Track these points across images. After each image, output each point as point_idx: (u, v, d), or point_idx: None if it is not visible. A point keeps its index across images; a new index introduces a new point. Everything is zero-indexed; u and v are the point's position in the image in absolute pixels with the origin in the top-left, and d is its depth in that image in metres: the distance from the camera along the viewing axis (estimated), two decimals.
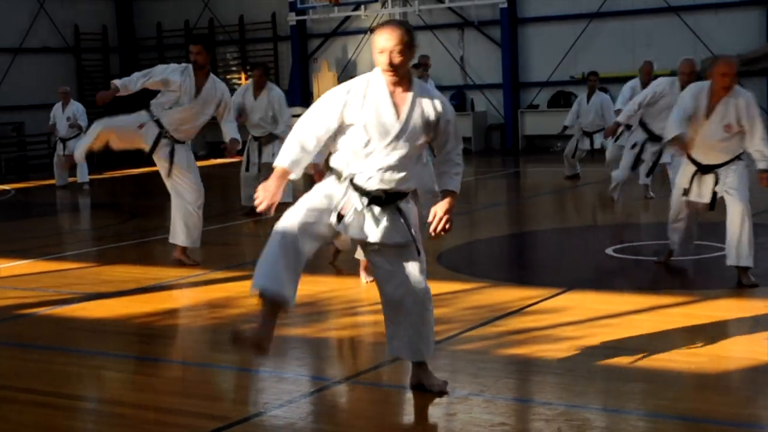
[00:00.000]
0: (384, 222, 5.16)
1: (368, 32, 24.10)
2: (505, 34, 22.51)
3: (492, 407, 5.22)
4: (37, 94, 23.60)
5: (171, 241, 9.52)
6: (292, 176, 5.12)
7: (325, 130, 5.07)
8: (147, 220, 13.29)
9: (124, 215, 14.03)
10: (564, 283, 8.12)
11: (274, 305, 5.06)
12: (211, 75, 9.40)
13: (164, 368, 6.45)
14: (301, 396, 5.60)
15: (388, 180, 5.11)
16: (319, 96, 24.83)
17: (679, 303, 7.30)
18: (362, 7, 23.81)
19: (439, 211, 5.18)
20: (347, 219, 5.11)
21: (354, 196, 5.12)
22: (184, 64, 9.38)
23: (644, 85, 12.79)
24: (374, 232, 5.15)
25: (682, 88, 10.83)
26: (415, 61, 5.37)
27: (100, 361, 6.66)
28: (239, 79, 26.12)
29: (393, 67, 4.99)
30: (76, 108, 18.02)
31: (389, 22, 5.14)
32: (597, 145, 15.39)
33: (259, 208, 5.07)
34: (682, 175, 8.04)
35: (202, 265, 9.45)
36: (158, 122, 9.23)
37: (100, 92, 9.21)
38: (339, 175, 5.17)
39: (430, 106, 5.09)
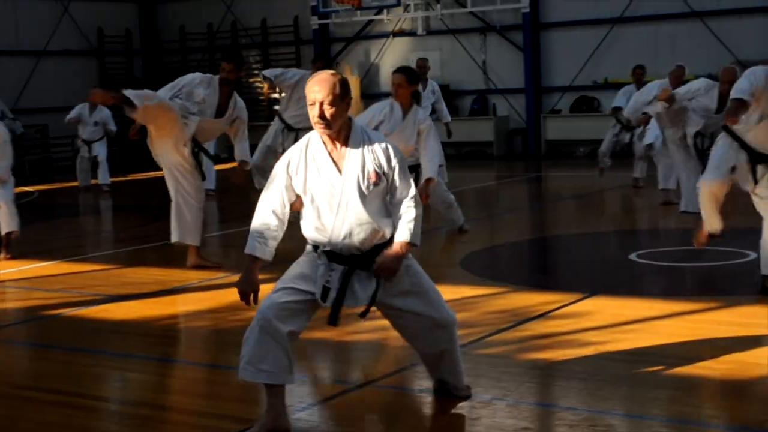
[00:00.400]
0: (373, 280, 4.94)
1: (391, 36, 24.11)
2: (527, 38, 22.46)
3: (515, 412, 5.20)
4: (61, 96, 23.67)
5: (179, 240, 9.48)
6: (266, 258, 4.96)
7: (281, 204, 4.93)
8: (169, 223, 13.30)
9: (147, 217, 14.08)
10: (587, 288, 8.09)
11: (270, 387, 4.91)
12: (234, 93, 9.40)
13: (187, 370, 6.47)
14: (324, 399, 5.60)
15: (358, 245, 4.88)
16: None
17: (703, 309, 7.26)
18: (385, 11, 23.81)
19: (384, 258, 4.88)
20: (333, 292, 4.88)
21: (331, 265, 4.91)
22: (209, 76, 9.32)
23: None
24: (366, 294, 4.95)
25: (721, 95, 10.72)
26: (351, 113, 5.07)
27: (122, 362, 6.68)
28: (262, 82, 26.11)
29: (325, 121, 4.75)
30: (106, 114, 17.97)
31: (321, 73, 4.88)
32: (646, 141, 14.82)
33: (245, 302, 4.95)
34: (725, 153, 7.61)
35: (224, 268, 9.47)
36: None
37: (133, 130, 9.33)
38: (313, 246, 5.00)
39: (372, 154, 4.85)
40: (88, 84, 22.83)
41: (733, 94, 7.12)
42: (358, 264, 4.93)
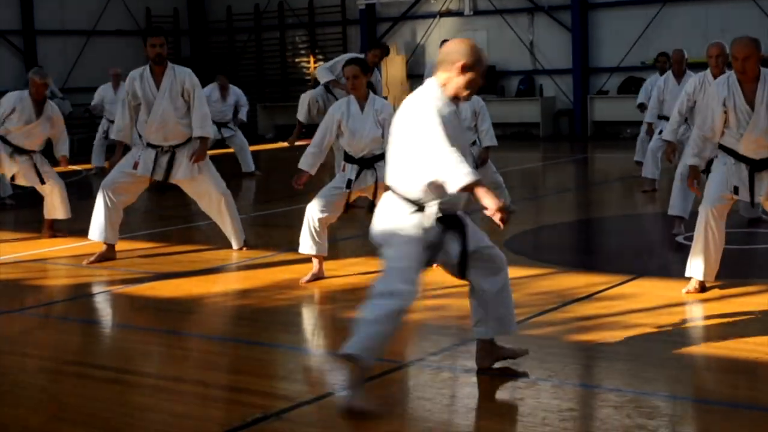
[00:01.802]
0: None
1: (437, 16, 24.03)
2: (575, 18, 22.29)
3: (560, 393, 5.19)
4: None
5: (233, 245, 9.50)
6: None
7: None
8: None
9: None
10: (633, 269, 8.04)
11: (362, 370, 5.04)
12: (170, 64, 9.14)
13: (232, 347, 6.51)
14: (368, 377, 5.61)
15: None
16: (388, 81, 24.46)
17: (749, 292, 7.19)
18: None
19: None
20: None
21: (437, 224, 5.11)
22: (141, 68, 9.17)
23: (676, 75, 12.33)
24: (456, 251, 5.20)
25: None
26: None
27: (169, 339, 6.74)
28: (308, 62, 26.20)
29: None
30: None
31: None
32: None
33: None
34: (726, 175, 7.05)
35: (269, 247, 9.52)
36: (149, 144, 9.07)
37: (112, 159, 9.34)
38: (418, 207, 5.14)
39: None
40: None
41: None
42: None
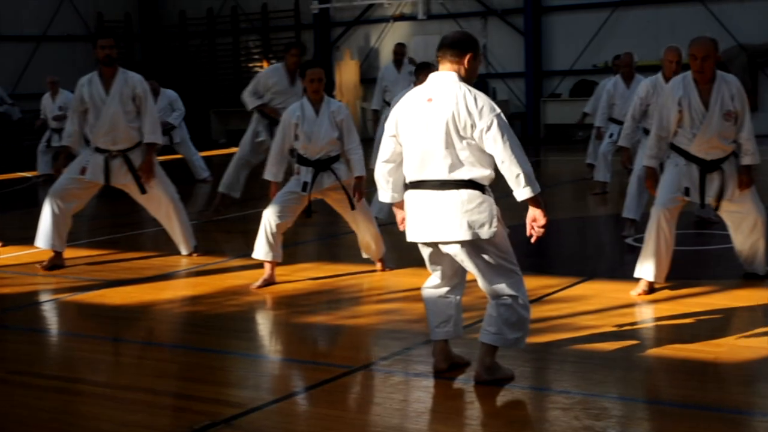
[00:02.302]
0: None
1: (391, 21, 24.04)
2: (528, 22, 22.42)
3: (509, 395, 5.20)
4: (60, 82, 23.63)
5: (182, 250, 9.43)
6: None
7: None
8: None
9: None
10: (583, 272, 8.08)
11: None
12: (120, 69, 8.98)
13: (183, 354, 6.47)
14: (319, 383, 5.59)
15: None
16: (341, 85, 24.43)
17: (698, 293, 7.25)
18: None
19: None
20: None
21: None
22: (89, 75, 9.05)
23: (625, 78, 12.28)
24: None
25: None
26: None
27: (119, 347, 6.69)
28: (262, 67, 26.08)
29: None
30: (66, 97, 17.04)
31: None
32: None
33: None
34: (677, 177, 7.21)
35: (221, 253, 9.47)
36: (98, 148, 8.95)
37: (56, 165, 9.30)
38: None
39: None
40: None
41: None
42: None
